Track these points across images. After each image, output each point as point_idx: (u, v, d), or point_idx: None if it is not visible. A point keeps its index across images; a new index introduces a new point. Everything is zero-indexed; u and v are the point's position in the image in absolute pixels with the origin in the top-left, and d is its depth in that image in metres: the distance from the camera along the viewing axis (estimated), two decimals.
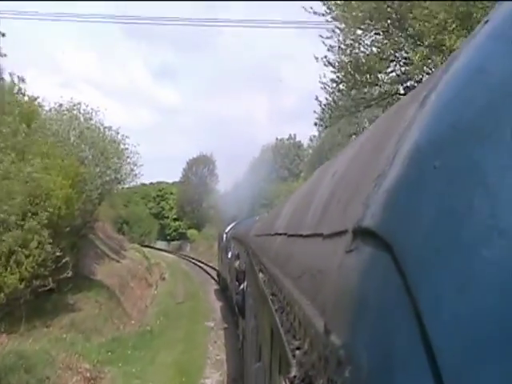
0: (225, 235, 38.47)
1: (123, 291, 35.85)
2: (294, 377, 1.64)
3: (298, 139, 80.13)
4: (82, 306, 27.20)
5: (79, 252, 32.24)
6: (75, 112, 34.93)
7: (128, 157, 38.72)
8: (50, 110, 34.34)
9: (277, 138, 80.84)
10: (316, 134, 59.12)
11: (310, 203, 2.87)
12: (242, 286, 17.39)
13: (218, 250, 48.35)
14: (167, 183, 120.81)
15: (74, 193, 26.03)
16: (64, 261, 24.83)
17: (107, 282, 33.93)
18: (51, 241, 22.81)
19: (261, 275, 5.34)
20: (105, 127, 36.91)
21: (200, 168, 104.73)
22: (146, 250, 76.38)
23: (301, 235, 2.68)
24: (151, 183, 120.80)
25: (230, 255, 29.21)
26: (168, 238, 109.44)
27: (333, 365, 1.13)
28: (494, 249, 0.76)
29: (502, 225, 0.76)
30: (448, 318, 0.75)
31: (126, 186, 42.13)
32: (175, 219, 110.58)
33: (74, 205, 26.38)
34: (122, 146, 37.93)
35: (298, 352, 1.81)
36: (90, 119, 35.87)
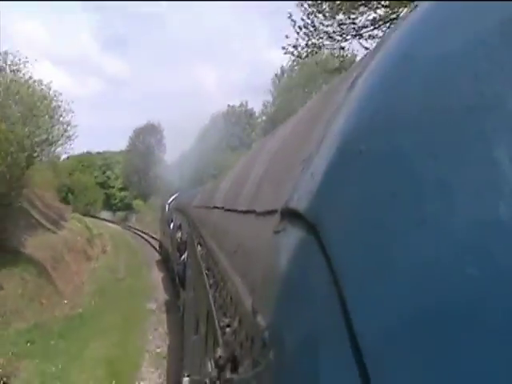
0: (167, 206, 38.26)
1: (56, 266, 32.30)
2: (220, 357, 1.65)
3: (249, 107, 77.37)
4: (2, 283, 23.60)
5: (2, 222, 29.09)
6: (0, 63, 31.08)
7: (61, 115, 34.16)
8: None
9: (228, 105, 77.50)
10: (270, 99, 56.79)
11: (246, 178, 2.87)
12: (183, 257, 17.40)
13: (160, 220, 48.07)
14: (114, 152, 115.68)
15: None
16: None
17: (38, 255, 30.44)
18: None
19: (199, 248, 5.35)
20: (34, 81, 32.14)
21: (147, 137, 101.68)
22: (89, 220, 73.75)
23: (236, 210, 2.69)
24: (98, 153, 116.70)
25: (172, 226, 29.08)
26: (113, 208, 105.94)
27: (258, 346, 1.13)
28: (415, 236, 0.76)
29: (424, 212, 0.77)
30: (370, 301, 0.76)
31: (59, 149, 36.92)
32: (121, 189, 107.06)
33: None
34: (54, 104, 33.38)
35: (227, 330, 1.82)
36: (18, 71, 31.47)
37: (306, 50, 18.99)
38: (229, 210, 3.23)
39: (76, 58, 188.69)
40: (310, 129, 1.42)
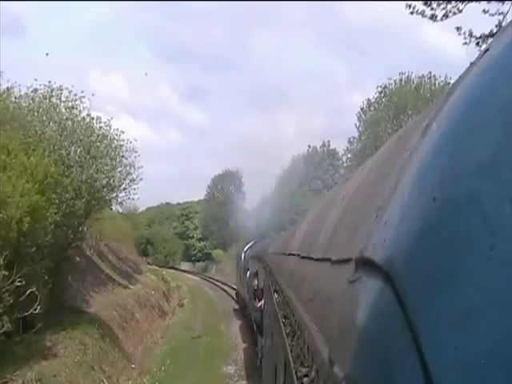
0: (243, 254, 38.35)
1: (125, 326, 28.88)
2: None
3: (332, 147, 71.00)
4: (59, 350, 19.72)
5: (63, 278, 25.90)
6: (54, 100, 26.20)
7: (123, 156, 29.55)
8: (20, 96, 25.78)
9: (309, 146, 71.32)
10: (356, 134, 51.32)
11: (321, 225, 2.87)
12: (260, 304, 17.39)
13: (237, 269, 48.02)
14: (192, 202, 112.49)
15: (43, 200, 18.58)
16: (28, 292, 16.80)
17: (104, 314, 26.71)
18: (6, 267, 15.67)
19: (275, 295, 5.34)
20: (92, 118, 27.42)
21: (226, 185, 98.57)
22: (169, 271, 72.34)
23: (312, 258, 2.68)
24: (178, 204, 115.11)
25: (248, 274, 29.12)
26: (193, 258, 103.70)
27: None
28: (493, 280, 0.75)
29: (500, 256, 0.76)
30: (448, 352, 0.74)
31: (122, 194, 31.64)
32: (200, 239, 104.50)
33: (45, 217, 18.94)
34: (115, 143, 28.82)
35: (305, 380, 1.80)
36: (74, 108, 26.65)
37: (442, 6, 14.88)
38: (304, 258, 3.23)
39: (156, 110, 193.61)
40: (383, 175, 1.42)
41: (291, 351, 2.57)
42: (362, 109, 49.81)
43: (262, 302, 14.72)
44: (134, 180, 30.72)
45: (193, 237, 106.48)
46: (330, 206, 3.06)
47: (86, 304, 27.02)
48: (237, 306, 45.26)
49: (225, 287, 62.39)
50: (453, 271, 0.79)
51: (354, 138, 50.67)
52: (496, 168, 0.83)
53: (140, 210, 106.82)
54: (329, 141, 69.53)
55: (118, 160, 29.34)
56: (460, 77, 1.13)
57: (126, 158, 30.03)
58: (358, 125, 49.88)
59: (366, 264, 1.10)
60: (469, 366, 0.72)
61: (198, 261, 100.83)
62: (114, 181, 29.56)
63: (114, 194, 31.25)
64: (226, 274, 70.81)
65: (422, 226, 0.89)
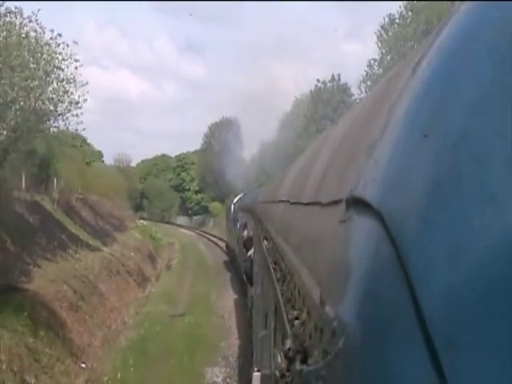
0: (233, 206, 38.62)
1: (79, 305, 22.07)
2: (289, 349, 1.65)
3: (343, 81, 58.58)
4: None
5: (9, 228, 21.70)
6: None
7: (59, 67, 22.77)
8: None
9: (318, 80, 58.34)
10: (376, 56, 42.05)
11: (311, 170, 2.87)
12: (249, 253, 17.53)
13: (227, 221, 48.32)
14: (189, 153, 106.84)
15: None
16: None
17: (49, 291, 20.27)
18: None
19: (265, 243, 5.38)
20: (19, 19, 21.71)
21: (223, 133, 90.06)
22: (164, 226, 70.36)
23: (301, 203, 2.69)
24: (176, 156, 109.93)
25: (238, 225, 29.32)
26: (190, 212, 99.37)
27: (327, 336, 1.13)
28: (484, 217, 0.75)
29: (491, 192, 0.76)
30: (439, 287, 0.75)
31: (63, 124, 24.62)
32: (197, 191, 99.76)
33: None
34: (55, 56, 22.57)
35: (296, 322, 1.82)
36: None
37: None
38: (294, 203, 3.24)
39: (154, 64, 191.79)
40: (373, 115, 1.41)
41: (282, 295, 2.59)
42: (382, 26, 41.79)
43: (252, 251, 14.81)
44: (78, 103, 23.88)
45: (189, 189, 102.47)
46: (319, 150, 3.06)
47: (24, 277, 20.41)
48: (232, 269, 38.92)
49: (220, 243, 57.39)
50: (443, 208, 0.80)
51: (374, 60, 42.13)
52: (486, 105, 0.83)
53: (134, 162, 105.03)
54: (339, 74, 58.03)
55: (49, 69, 22.57)
56: (450, 13, 1.11)
57: (63, 69, 23.31)
58: (379, 45, 41.47)
59: (356, 203, 1.10)
60: (458, 303, 0.73)
61: (195, 215, 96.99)
62: (45, 103, 22.83)
63: (51, 121, 24.33)
64: (224, 228, 61.33)
65: (413, 163, 0.89)
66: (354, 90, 52.25)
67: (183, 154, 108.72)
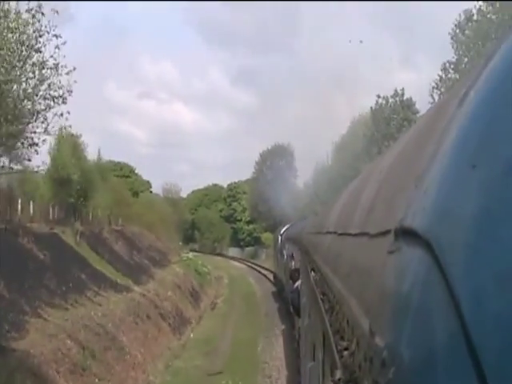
0: (280, 237, 38.52)
1: (86, 366, 17.01)
2: (339, 379, 1.64)
3: (407, 96, 51.30)
4: None
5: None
6: None
7: (37, 49, 17.19)
8: None
9: (378, 96, 51.68)
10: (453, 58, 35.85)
11: (358, 201, 2.86)
12: (296, 285, 17.44)
13: (274, 252, 48.01)
14: (240, 182, 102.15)
15: None
16: None
17: (46, 349, 15.60)
18: None
19: (312, 274, 5.35)
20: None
21: (276, 160, 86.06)
22: (214, 259, 67.01)
23: (349, 234, 2.68)
24: (228, 185, 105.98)
25: (285, 256, 29.24)
26: (241, 243, 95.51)
27: (377, 366, 1.12)
28: None
29: None
30: (489, 316, 0.75)
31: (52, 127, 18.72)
32: (249, 222, 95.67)
33: None
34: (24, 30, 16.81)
35: (345, 353, 1.81)
36: None
37: None
38: (341, 234, 3.23)
39: (206, 94, 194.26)
40: (421, 145, 1.41)
41: (330, 326, 2.58)
42: (457, 24, 36.08)
43: (299, 282, 14.75)
44: (60, 97, 17.61)
45: (241, 220, 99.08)
46: (366, 181, 3.06)
47: (16, 331, 15.47)
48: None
49: (271, 276, 51.97)
50: (492, 238, 0.80)
51: (449, 62, 35.86)
52: None
53: (183, 192, 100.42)
54: (403, 89, 51.68)
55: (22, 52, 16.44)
56: (498, 42, 1.12)
57: (40, 51, 17.26)
58: (454, 46, 35.71)
59: (405, 233, 1.10)
60: (508, 331, 0.72)
61: (247, 246, 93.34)
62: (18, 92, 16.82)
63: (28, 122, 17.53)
64: None
65: (462, 193, 0.89)
66: (420, 105, 46.93)
67: (234, 183, 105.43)
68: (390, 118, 50.15)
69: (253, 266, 70.34)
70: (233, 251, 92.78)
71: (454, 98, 1.32)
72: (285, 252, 29.85)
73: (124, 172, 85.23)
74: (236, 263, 76.20)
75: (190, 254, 58.86)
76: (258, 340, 27.66)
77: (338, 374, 1.68)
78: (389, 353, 1.03)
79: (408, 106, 50.62)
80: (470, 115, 1.01)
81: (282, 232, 38.43)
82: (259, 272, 61.79)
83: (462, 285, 0.80)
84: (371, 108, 52.24)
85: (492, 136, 0.89)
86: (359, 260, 2.03)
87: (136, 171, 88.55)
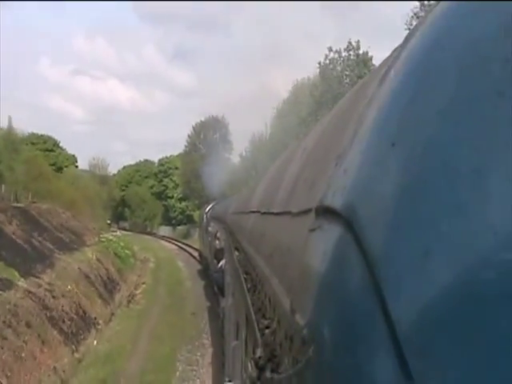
0: (205, 215, 38.47)
1: None
2: (259, 357, 1.65)
3: (363, 50, 44.89)
4: None
5: None
6: None
7: None
8: None
9: (330, 50, 44.78)
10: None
11: (281, 180, 2.88)
12: (220, 264, 17.52)
13: (199, 230, 47.96)
14: (172, 157, 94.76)
15: None
16: None
17: None
18: None
19: (236, 253, 5.37)
20: None
21: (210, 133, 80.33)
22: (143, 238, 62.85)
23: (272, 213, 2.69)
24: (159, 160, 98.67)
25: (209, 235, 29.26)
26: (173, 222, 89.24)
27: (297, 344, 1.13)
28: (451, 224, 0.76)
29: (460, 200, 0.77)
30: (408, 294, 0.76)
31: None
32: (181, 199, 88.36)
33: None
34: None
35: (266, 331, 1.82)
36: None
37: None
38: (264, 213, 3.24)
39: (143, 73, 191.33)
40: (342, 125, 1.43)
41: (253, 305, 2.59)
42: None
43: (223, 262, 14.81)
44: None
45: (172, 197, 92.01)
46: (289, 160, 3.08)
47: None
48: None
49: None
50: (412, 216, 0.80)
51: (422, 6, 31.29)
52: (453, 113, 0.84)
53: (116, 169, 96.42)
54: (358, 41, 44.41)
55: None
56: (418, 23, 1.13)
57: None
58: None
59: (325, 212, 1.11)
60: (427, 309, 0.73)
61: (179, 224, 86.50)
62: None
63: None
64: None
65: (382, 172, 0.90)
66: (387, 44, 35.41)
67: (166, 157, 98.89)
68: (343, 76, 44.09)
69: (183, 246, 64.99)
70: (164, 230, 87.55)
71: (374, 77, 1.33)
72: (210, 230, 29.85)
73: (47, 146, 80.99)
74: (166, 243, 71.15)
75: (118, 233, 55.58)
76: (177, 356, 21.32)
77: (259, 352, 1.68)
78: (309, 331, 1.04)
79: (364, 61, 43.95)
80: (389, 94, 1.02)
81: (207, 210, 38.40)
82: (190, 254, 56.01)
83: (381, 263, 0.81)
84: (320, 64, 44.91)
85: (411, 115, 0.90)
86: (281, 239, 2.04)
87: (61, 145, 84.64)
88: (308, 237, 1.25)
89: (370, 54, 43.96)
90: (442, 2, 1.04)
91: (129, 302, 32.10)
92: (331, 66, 44.37)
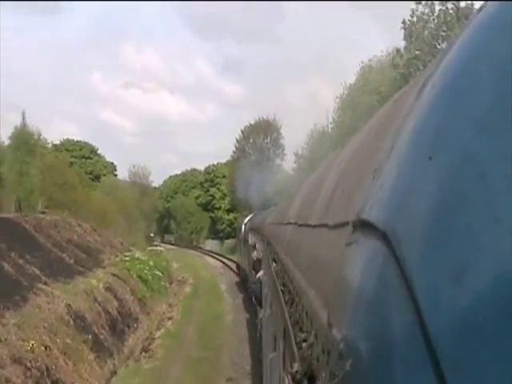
0: (243, 226, 38.59)
1: None
2: (296, 372, 1.65)
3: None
4: None
5: None
6: None
7: None
8: None
9: (419, 2, 32.86)
10: None
11: (318, 192, 2.88)
12: (258, 275, 17.53)
13: (237, 242, 47.94)
14: (218, 165, 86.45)
15: None
16: None
17: None
18: None
19: (274, 264, 5.38)
20: None
21: (260, 138, 72.43)
22: (188, 253, 58.50)
23: (309, 225, 2.69)
24: (205, 169, 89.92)
25: (248, 246, 29.33)
26: (221, 235, 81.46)
27: (334, 358, 1.13)
28: (490, 238, 0.75)
29: (497, 214, 0.76)
30: (445, 307, 0.75)
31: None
32: (229, 210, 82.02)
33: None
34: None
35: (303, 345, 1.82)
36: None
37: None
38: (301, 225, 3.24)
39: (193, 85, 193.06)
40: (379, 138, 1.42)
41: (290, 318, 2.59)
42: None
43: (261, 272, 14.82)
44: None
45: (220, 208, 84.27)
46: (326, 172, 3.08)
47: None
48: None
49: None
50: (449, 229, 0.80)
51: None
52: (490, 125, 0.83)
53: (160, 181, 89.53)
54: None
55: None
56: (456, 36, 1.12)
57: None
58: None
59: (362, 225, 1.11)
60: (465, 323, 0.73)
61: (227, 238, 77.42)
62: None
63: None
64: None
65: (418, 185, 0.90)
66: None
67: (213, 165, 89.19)
68: (438, 36, 32.36)
69: (229, 264, 56.62)
70: (211, 244, 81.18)
71: (412, 89, 1.32)
72: (248, 241, 29.91)
73: (83, 152, 78.28)
74: (210, 260, 65.32)
75: (159, 248, 50.81)
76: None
77: (296, 366, 1.68)
78: (346, 345, 1.03)
79: (466, 16, 29.82)
80: (426, 107, 1.02)
81: (245, 221, 38.55)
82: (237, 274, 47.09)
83: (418, 277, 0.80)
84: (404, 23, 33.33)
85: (448, 128, 0.90)
86: (318, 251, 2.04)
87: (99, 152, 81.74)
88: (345, 250, 1.25)
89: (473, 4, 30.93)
90: (479, 14, 1.04)
91: (142, 351, 22.79)
92: (421, 24, 32.93)
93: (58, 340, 16.94)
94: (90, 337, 19.32)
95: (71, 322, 18.83)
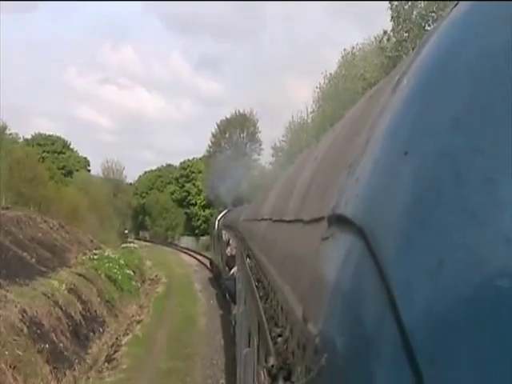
0: (216, 223, 38.56)
1: None
2: (272, 366, 1.65)
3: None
4: None
5: None
6: None
7: None
8: None
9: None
10: None
11: (293, 187, 2.88)
12: (232, 271, 17.53)
13: (210, 238, 47.93)
14: (194, 160, 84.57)
15: None
16: None
17: None
18: None
19: (248, 261, 5.38)
20: None
21: (236, 132, 71.19)
22: (162, 250, 58.01)
23: (284, 220, 2.69)
24: (181, 164, 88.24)
25: (221, 243, 29.33)
26: (197, 231, 78.74)
27: (310, 353, 1.13)
28: (464, 233, 0.76)
29: (472, 209, 0.77)
30: (420, 302, 0.75)
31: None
32: (204, 206, 79.35)
33: None
34: None
35: (279, 339, 1.82)
36: None
37: None
38: (276, 221, 3.24)
39: (169, 81, 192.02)
40: (354, 133, 1.42)
41: (265, 313, 2.59)
42: None
43: (235, 269, 14.82)
44: None
45: (195, 203, 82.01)
46: (301, 168, 3.08)
47: None
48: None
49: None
50: (424, 224, 0.80)
51: None
52: (466, 122, 0.83)
53: (135, 176, 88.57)
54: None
55: None
56: (431, 31, 1.13)
57: None
58: None
59: (338, 220, 1.11)
60: (440, 318, 0.73)
61: (203, 235, 73.98)
62: None
63: None
64: None
65: (394, 181, 0.90)
66: None
67: (188, 160, 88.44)
68: (428, 17, 30.34)
69: (205, 261, 54.86)
70: (186, 241, 78.98)
71: (387, 85, 1.33)
72: (222, 238, 29.90)
73: (55, 147, 76.78)
74: (185, 257, 63.29)
75: (133, 245, 49.79)
76: None
77: (272, 361, 1.68)
78: (321, 340, 1.03)
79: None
80: (402, 102, 1.02)
81: (219, 218, 38.51)
82: (211, 271, 45.45)
83: (393, 272, 0.81)
84: (391, 5, 31.25)
85: (424, 123, 0.90)
86: (293, 247, 2.04)
87: (71, 146, 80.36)
88: (320, 245, 1.25)
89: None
90: (454, 10, 1.04)
91: (106, 361, 20.31)
92: (409, 4, 31.26)
93: (7, 352, 14.91)
94: (46, 346, 17.13)
95: (25, 330, 16.74)
